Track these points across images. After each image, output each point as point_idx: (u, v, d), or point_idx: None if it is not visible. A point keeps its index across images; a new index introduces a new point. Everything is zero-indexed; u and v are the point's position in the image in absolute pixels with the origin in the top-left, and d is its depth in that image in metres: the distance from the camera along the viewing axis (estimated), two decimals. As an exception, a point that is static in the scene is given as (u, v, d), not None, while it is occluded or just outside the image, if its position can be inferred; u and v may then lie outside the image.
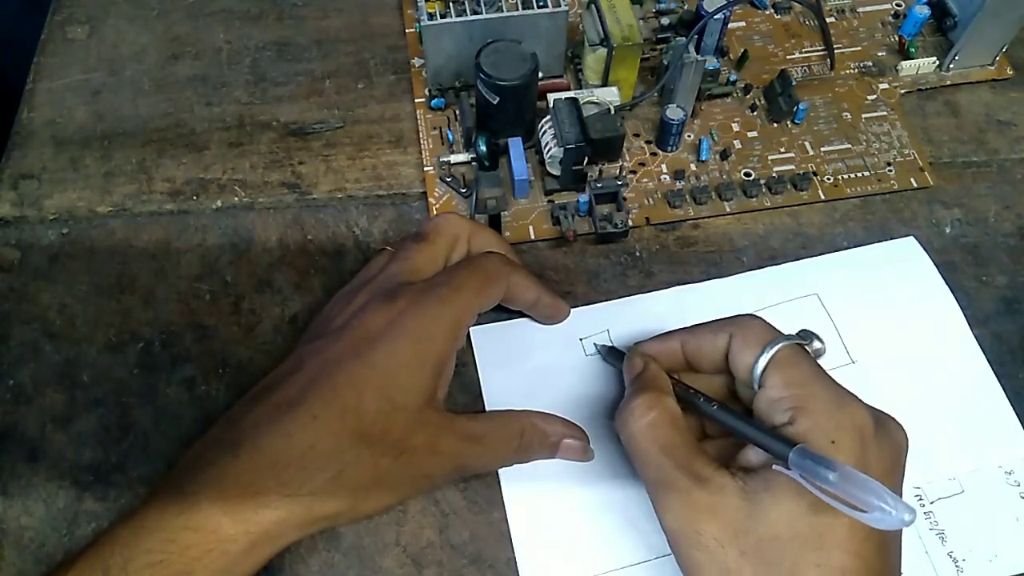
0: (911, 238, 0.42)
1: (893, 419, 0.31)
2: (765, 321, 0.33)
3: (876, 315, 0.40)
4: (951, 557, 0.34)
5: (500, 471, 0.36)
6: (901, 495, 0.30)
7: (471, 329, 0.39)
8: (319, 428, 0.31)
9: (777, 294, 0.41)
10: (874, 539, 0.28)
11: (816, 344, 0.33)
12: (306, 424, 0.30)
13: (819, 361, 0.32)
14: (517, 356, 0.39)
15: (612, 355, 0.38)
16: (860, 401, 0.30)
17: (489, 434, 0.34)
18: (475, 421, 0.34)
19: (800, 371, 0.31)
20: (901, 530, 0.30)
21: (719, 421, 0.32)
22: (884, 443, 0.30)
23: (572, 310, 0.40)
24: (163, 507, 0.29)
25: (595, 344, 0.39)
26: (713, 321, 0.34)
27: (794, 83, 0.46)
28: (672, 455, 0.30)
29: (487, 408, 0.38)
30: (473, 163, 0.44)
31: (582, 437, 0.36)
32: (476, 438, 0.34)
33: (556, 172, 0.43)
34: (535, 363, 0.39)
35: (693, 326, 0.35)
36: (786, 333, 0.32)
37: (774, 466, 0.29)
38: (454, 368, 0.35)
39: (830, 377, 0.31)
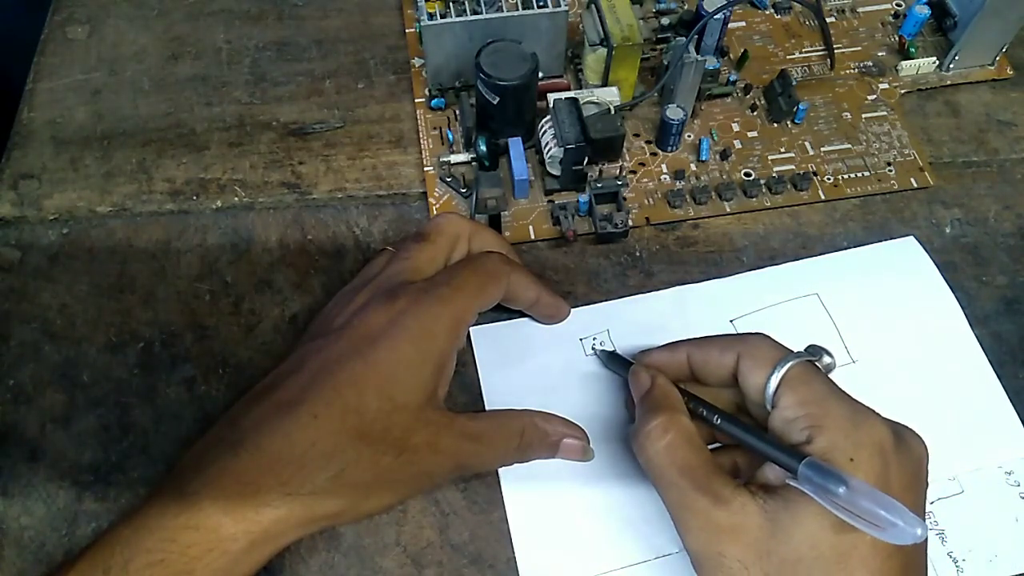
0: (911, 238, 0.42)
1: (912, 431, 0.31)
2: (773, 339, 0.33)
3: (876, 315, 0.40)
4: (951, 557, 0.34)
5: (500, 471, 0.36)
6: (924, 508, 0.30)
7: (471, 329, 0.39)
8: (320, 427, 0.31)
9: (777, 294, 0.41)
10: (898, 558, 0.28)
11: (826, 359, 0.32)
12: (307, 423, 0.30)
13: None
14: (517, 356, 0.39)
15: (613, 361, 0.38)
16: (877, 415, 0.30)
17: (489, 433, 0.34)
18: (475, 420, 0.34)
19: (813, 389, 0.30)
20: (926, 547, 0.30)
21: (729, 435, 0.32)
22: (904, 457, 0.29)
23: (572, 310, 0.40)
24: (164, 506, 0.29)
25: (595, 349, 0.39)
26: (720, 337, 0.34)
27: (794, 83, 0.46)
28: (691, 476, 0.30)
29: (487, 408, 0.38)
30: (473, 163, 0.44)
31: (582, 437, 0.36)
32: (476, 437, 0.34)
33: (556, 172, 0.43)
34: (535, 363, 0.39)
35: (700, 339, 0.35)
36: (795, 350, 0.32)
37: (787, 480, 0.29)
38: (454, 368, 0.35)
39: (844, 393, 0.31)
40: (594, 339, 0.40)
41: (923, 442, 0.31)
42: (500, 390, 0.38)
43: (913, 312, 0.40)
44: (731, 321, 0.40)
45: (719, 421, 0.32)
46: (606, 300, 0.41)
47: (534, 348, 0.39)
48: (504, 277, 0.36)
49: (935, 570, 0.34)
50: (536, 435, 0.35)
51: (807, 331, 0.39)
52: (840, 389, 0.31)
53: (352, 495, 0.31)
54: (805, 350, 0.32)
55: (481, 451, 0.34)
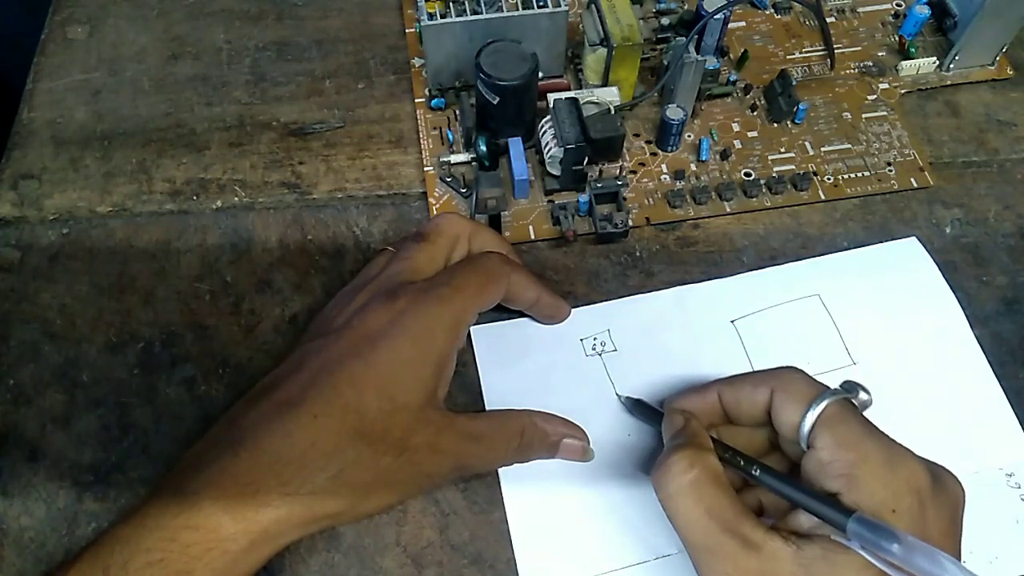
0: (913, 238, 0.42)
1: (948, 472, 0.30)
2: (807, 374, 0.32)
3: (878, 316, 0.40)
4: None
5: (500, 471, 0.36)
6: (960, 553, 0.29)
7: (471, 329, 0.39)
8: (320, 427, 0.31)
9: (779, 294, 0.41)
10: None
11: (862, 395, 0.31)
12: (307, 423, 0.30)
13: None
14: (517, 356, 0.39)
15: (639, 409, 0.37)
16: (914, 456, 0.29)
17: (489, 433, 0.34)
18: (475, 420, 0.34)
19: (850, 429, 0.29)
20: None
21: (768, 487, 0.30)
22: (942, 501, 0.28)
23: (572, 310, 0.40)
24: (163, 506, 0.29)
25: (619, 396, 0.38)
26: (752, 374, 0.33)
27: (794, 83, 0.46)
28: (718, 517, 0.29)
29: (487, 408, 0.38)
30: (473, 163, 0.44)
31: (582, 437, 0.36)
32: (476, 437, 0.34)
33: (556, 172, 0.43)
34: (535, 363, 0.39)
35: (731, 377, 0.34)
36: (831, 387, 0.31)
37: (833, 536, 0.28)
38: (454, 368, 0.35)
39: (881, 433, 0.30)
40: (594, 339, 0.40)
41: (959, 483, 0.30)
42: (500, 390, 0.38)
43: (914, 313, 0.40)
44: (732, 321, 0.40)
45: (758, 472, 0.31)
46: (606, 300, 0.41)
47: (534, 348, 0.39)
48: (504, 277, 0.36)
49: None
50: (536, 435, 0.35)
51: (808, 332, 0.39)
52: (876, 429, 0.30)
53: (352, 495, 0.31)
54: (841, 387, 0.31)
55: (481, 451, 0.34)
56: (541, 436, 0.35)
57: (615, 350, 0.39)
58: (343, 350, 0.32)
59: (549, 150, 0.42)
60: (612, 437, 0.37)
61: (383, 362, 0.32)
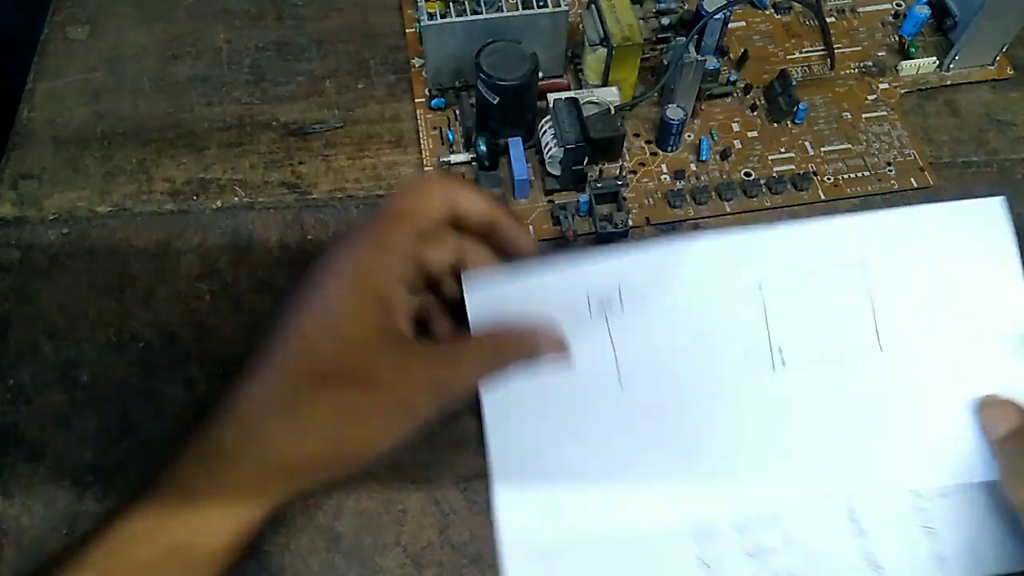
0: (999, 199, 0.34)
1: None
2: None
3: (927, 297, 0.34)
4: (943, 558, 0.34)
5: (497, 471, 0.36)
6: None
7: (465, 283, 0.35)
8: (275, 376, 0.31)
9: (818, 257, 0.34)
10: None
11: None
12: (260, 375, 0.31)
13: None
14: (515, 312, 0.34)
15: None
16: None
17: (460, 348, 0.34)
18: (444, 342, 0.34)
19: None
20: None
21: None
22: None
23: (580, 266, 0.35)
24: (146, 509, 0.29)
25: None
26: None
27: (794, 83, 0.46)
28: None
29: None
30: (473, 163, 0.44)
31: (555, 329, 0.34)
32: (448, 355, 0.33)
33: (556, 172, 0.43)
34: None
35: None
36: None
37: None
38: (409, 300, 0.33)
39: None
40: (601, 297, 0.35)
41: None
42: None
43: (972, 297, 0.34)
44: (760, 288, 0.35)
45: None
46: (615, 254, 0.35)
47: (533, 305, 0.34)
48: (437, 192, 0.33)
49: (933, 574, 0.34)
50: (509, 338, 0.34)
51: (839, 307, 0.34)
52: None
53: (324, 440, 0.30)
54: None
55: (458, 371, 0.33)
56: (514, 338, 0.34)
57: (623, 311, 0.35)
58: (288, 309, 0.32)
59: (549, 150, 0.42)
60: (611, 431, 0.36)
61: (320, 302, 0.32)
